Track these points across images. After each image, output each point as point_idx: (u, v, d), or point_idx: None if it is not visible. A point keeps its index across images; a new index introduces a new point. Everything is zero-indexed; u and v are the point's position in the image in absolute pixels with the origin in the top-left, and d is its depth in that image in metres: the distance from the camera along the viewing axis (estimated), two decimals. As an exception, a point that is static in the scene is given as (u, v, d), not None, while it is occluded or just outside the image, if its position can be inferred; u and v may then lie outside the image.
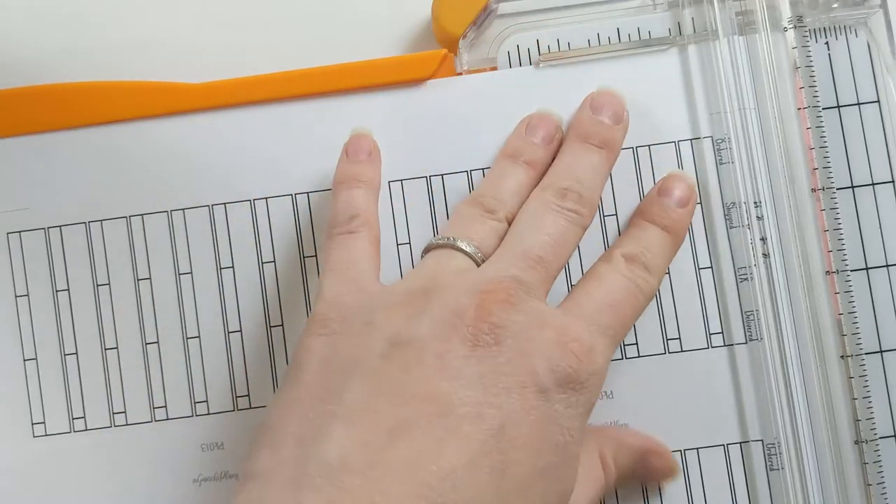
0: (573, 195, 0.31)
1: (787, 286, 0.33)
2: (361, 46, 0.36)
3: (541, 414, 0.26)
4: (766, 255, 0.33)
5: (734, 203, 0.34)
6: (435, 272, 0.30)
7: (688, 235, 0.34)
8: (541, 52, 0.35)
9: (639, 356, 0.34)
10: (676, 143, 0.34)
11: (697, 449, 0.33)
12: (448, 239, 0.31)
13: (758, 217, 0.33)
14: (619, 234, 0.34)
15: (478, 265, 0.30)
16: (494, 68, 0.35)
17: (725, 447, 0.33)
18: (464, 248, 0.30)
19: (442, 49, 0.35)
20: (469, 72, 0.35)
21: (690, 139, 0.34)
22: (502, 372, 0.26)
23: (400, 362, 0.27)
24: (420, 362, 0.26)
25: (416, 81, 0.35)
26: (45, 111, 0.35)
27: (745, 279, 0.34)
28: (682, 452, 0.33)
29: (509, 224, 0.31)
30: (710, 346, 0.34)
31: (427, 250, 0.31)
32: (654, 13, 0.35)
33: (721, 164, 0.34)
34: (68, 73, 0.37)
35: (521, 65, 0.35)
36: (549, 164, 0.33)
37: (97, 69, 0.37)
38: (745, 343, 0.34)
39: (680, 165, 0.34)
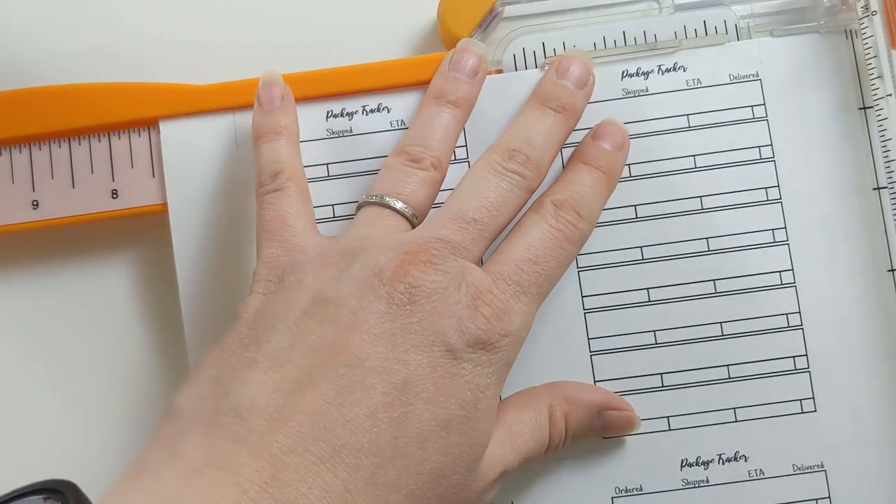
0: (520, 157, 0.31)
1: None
2: (367, 49, 0.36)
3: (446, 371, 0.28)
4: None
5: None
6: (365, 232, 0.30)
7: None
8: (546, 55, 0.35)
9: None
10: None
11: None
12: (377, 197, 0.31)
13: None
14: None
15: (408, 220, 0.31)
16: (500, 71, 0.35)
17: None
18: (393, 205, 0.31)
19: (448, 51, 0.35)
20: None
21: None
22: (412, 330, 0.28)
23: (319, 318, 0.28)
24: (336, 318, 0.28)
25: (421, 84, 0.35)
26: (50, 112, 0.35)
27: None
28: None
29: (437, 170, 0.32)
30: None
31: (359, 207, 0.32)
32: (660, 17, 0.35)
33: None
34: (72, 74, 0.37)
35: (526, 68, 0.35)
36: (475, 100, 0.34)
37: (102, 70, 0.37)
38: None
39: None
